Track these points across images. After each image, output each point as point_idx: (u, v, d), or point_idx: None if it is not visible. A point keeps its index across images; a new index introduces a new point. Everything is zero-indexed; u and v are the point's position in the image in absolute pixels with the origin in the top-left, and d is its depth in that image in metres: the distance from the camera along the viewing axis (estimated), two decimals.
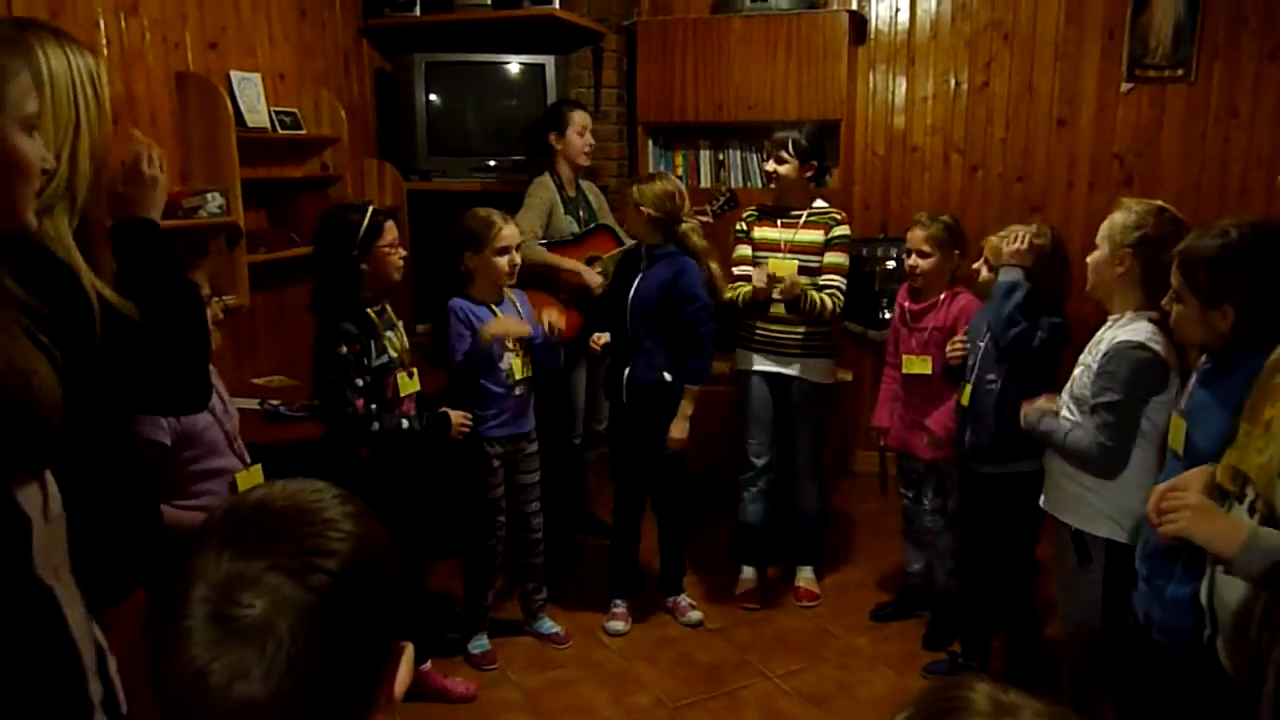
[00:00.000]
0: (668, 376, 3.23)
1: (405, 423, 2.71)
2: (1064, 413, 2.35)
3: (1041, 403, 2.43)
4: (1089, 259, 2.33)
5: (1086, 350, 2.35)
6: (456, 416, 2.85)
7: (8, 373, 1.04)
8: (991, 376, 2.77)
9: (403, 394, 2.75)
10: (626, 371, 3.26)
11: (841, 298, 3.37)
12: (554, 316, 3.06)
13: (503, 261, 2.96)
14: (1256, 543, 1.35)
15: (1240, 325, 1.77)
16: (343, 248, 2.62)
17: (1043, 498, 2.46)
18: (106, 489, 1.41)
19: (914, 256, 3.13)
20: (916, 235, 3.12)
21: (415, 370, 2.81)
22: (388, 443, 2.68)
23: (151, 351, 1.33)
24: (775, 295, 3.29)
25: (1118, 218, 2.26)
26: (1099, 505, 2.25)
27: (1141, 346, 2.15)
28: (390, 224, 2.69)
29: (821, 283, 3.36)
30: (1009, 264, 2.69)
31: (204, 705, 0.73)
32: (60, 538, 1.19)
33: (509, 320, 3.03)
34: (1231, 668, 1.52)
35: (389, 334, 2.73)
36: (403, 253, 2.73)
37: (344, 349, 2.58)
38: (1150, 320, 2.18)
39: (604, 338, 3.27)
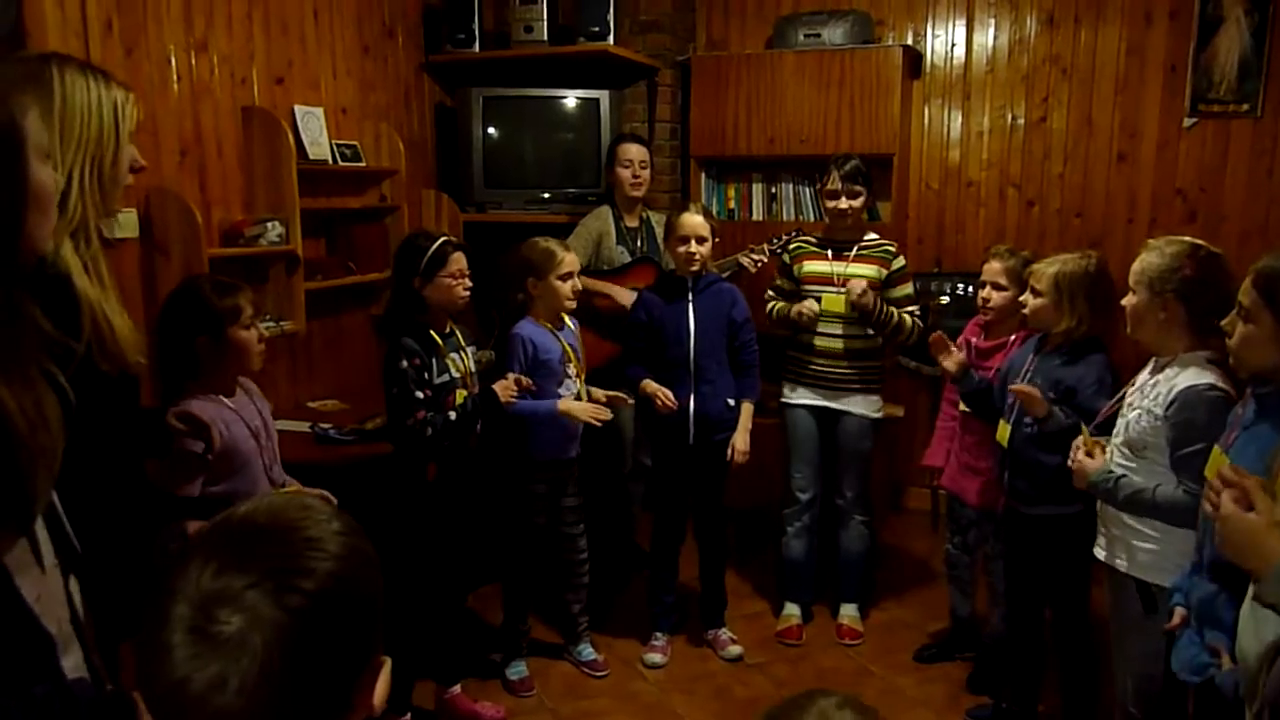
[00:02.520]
0: (731, 402, 3.28)
1: (453, 414, 2.76)
2: (1116, 459, 2.28)
3: (1094, 459, 2.30)
4: (1125, 303, 2.26)
5: (1138, 392, 2.27)
6: (499, 386, 2.86)
7: (20, 422, 0.96)
8: (1029, 420, 2.69)
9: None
10: (692, 405, 3.25)
11: (921, 323, 3.38)
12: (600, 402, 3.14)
13: (567, 286, 3.04)
14: None
15: None
16: (407, 273, 2.76)
17: (1098, 548, 2.38)
18: (106, 523, 1.38)
19: (988, 289, 3.02)
20: (994, 267, 3.01)
21: (477, 391, 2.88)
22: (443, 442, 2.73)
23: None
24: (854, 300, 3.25)
25: (1152, 260, 2.18)
26: (1168, 554, 2.15)
27: (1213, 387, 2.08)
28: (458, 255, 2.79)
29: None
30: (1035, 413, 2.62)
31: (186, 712, 0.77)
32: (58, 585, 1.13)
33: (585, 409, 3.03)
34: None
35: (453, 355, 2.83)
36: (468, 283, 2.82)
37: (404, 363, 2.69)
38: (1209, 361, 2.12)
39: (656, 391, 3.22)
